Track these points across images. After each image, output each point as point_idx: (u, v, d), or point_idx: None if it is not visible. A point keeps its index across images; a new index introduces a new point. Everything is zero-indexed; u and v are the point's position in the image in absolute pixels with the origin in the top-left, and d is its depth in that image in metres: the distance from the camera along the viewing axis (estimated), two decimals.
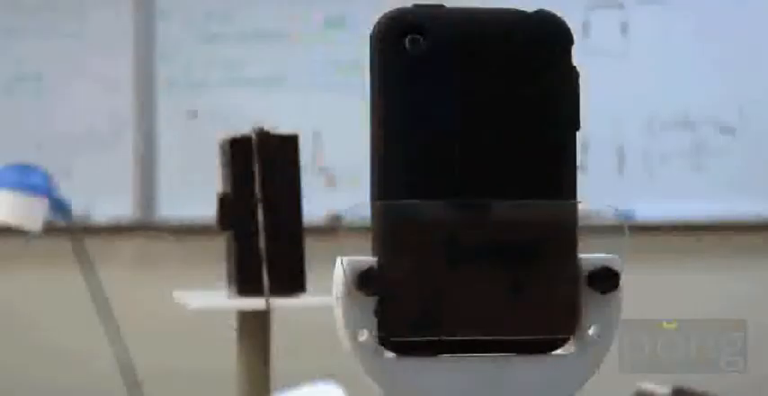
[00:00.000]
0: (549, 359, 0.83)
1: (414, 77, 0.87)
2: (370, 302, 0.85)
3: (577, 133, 0.81)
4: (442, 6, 0.86)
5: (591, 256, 0.84)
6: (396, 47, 0.87)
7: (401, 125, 0.88)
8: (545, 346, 0.83)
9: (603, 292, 0.83)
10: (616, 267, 0.84)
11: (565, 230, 0.84)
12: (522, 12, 0.84)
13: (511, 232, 0.83)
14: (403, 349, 0.86)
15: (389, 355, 0.85)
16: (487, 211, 0.84)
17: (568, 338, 0.83)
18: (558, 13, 0.86)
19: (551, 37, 0.83)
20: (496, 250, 0.84)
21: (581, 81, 0.80)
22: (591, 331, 0.83)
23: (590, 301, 0.83)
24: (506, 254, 0.83)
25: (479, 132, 0.83)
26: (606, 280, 0.83)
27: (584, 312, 0.83)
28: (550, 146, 0.82)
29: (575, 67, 0.81)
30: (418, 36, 0.86)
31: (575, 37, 0.82)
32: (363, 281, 0.86)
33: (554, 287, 0.83)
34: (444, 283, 0.85)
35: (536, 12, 0.84)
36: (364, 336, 0.84)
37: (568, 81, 0.81)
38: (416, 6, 0.87)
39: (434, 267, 0.84)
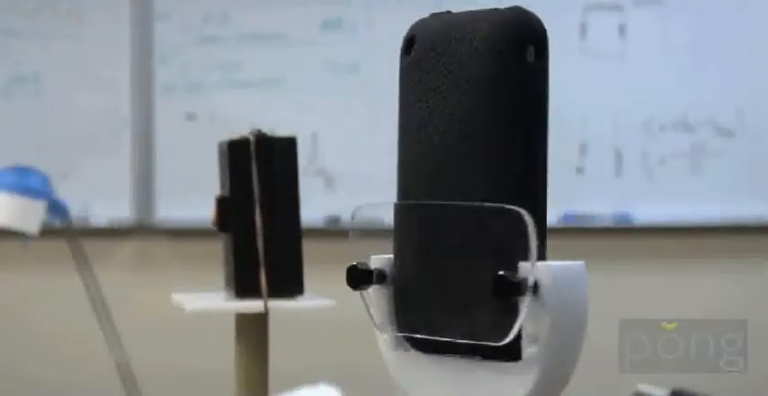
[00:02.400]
0: (500, 366, 0.81)
1: (407, 83, 0.88)
2: (390, 298, 0.86)
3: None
4: (448, 13, 0.87)
5: (544, 263, 0.79)
6: (404, 56, 0.89)
7: (400, 129, 0.90)
8: (511, 353, 0.81)
9: (500, 299, 0.78)
10: (527, 275, 0.78)
11: (480, 234, 0.81)
12: (494, 11, 0.83)
13: (441, 235, 0.83)
14: (416, 346, 0.86)
15: (410, 350, 0.86)
16: (430, 213, 0.84)
17: (508, 345, 0.79)
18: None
19: (508, 35, 0.80)
20: (434, 252, 0.83)
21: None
22: (526, 341, 0.79)
23: (528, 311, 0.78)
24: (439, 257, 0.83)
25: (449, 133, 0.83)
26: (502, 288, 0.78)
27: (524, 321, 0.78)
28: (508, 146, 0.80)
29: (534, 64, 0.78)
30: (415, 44, 0.87)
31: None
32: (377, 278, 0.87)
33: (472, 292, 0.81)
34: (411, 282, 0.86)
35: (503, 10, 0.83)
36: (386, 331, 0.85)
37: (527, 79, 0.78)
38: (430, 15, 0.88)
39: (406, 267, 0.86)
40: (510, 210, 0.77)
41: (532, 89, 0.79)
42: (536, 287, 0.77)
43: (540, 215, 0.80)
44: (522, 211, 0.77)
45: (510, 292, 0.77)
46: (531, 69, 0.79)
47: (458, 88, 0.83)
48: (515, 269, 0.78)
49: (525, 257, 0.77)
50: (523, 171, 0.80)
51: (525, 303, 0.77)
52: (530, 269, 0.77)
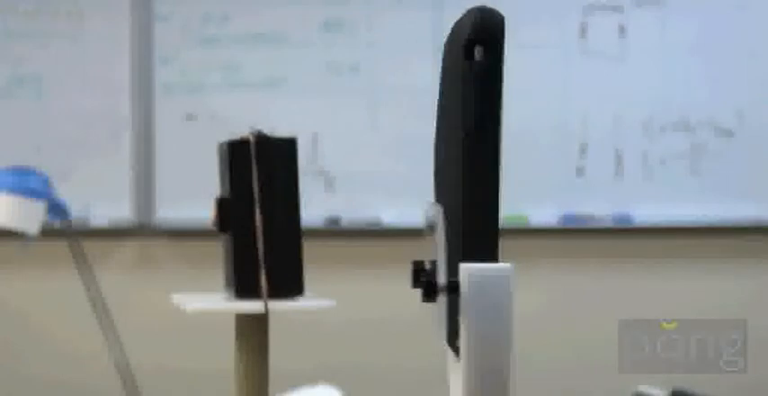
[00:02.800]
0: (458, 364, 0.81)
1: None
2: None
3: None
4: None
5: (466, 265, 0.78)
6: None
7: None
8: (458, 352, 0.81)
9: (425, 299, 0.78)
10: (461, 275, 0.78)
11: (441, 233, 0.81)
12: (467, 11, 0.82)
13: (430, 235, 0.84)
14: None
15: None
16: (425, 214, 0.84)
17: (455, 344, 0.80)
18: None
19: (460, 35, 0.80)
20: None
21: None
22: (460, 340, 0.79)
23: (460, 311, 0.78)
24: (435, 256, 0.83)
25: (438, 136, 0.84)
26: (420, 288, 0.78)
27: (459, 321, 0.78)
28: (458, 145, 0.78)
29: (483, 63, 0.77)
30: None
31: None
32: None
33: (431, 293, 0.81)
34: None
35: (468, 10, 0.81)
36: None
37: (474, 78, 0.77)
38: None
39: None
40: (435, 206, 0.77)
41: (480, 88, 0.77)
42: (455, 288, 0.76)
43: (484, 213, 0.78)
44: (437, 208, 0.76)
45: (426, 292, 0.76)
46: (479, 68, 0.77)
47: (441, 90, 0.83)
48: (455, 270, 0.77)
49: (466, 258, 0.76)
50: (465, 169, 0.78)
51: (442, 303, 0.76)
52: (460, 269, 0.76)
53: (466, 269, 0.75)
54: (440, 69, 0.85)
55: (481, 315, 0.75)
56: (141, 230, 3.47)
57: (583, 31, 3.33)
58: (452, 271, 0.77)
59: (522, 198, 3.23)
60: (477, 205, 0.77)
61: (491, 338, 0.76)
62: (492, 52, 0.76)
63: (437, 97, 0.85)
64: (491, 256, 0.77)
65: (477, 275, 0.75)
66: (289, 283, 1.68)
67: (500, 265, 0.76)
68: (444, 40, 0.85)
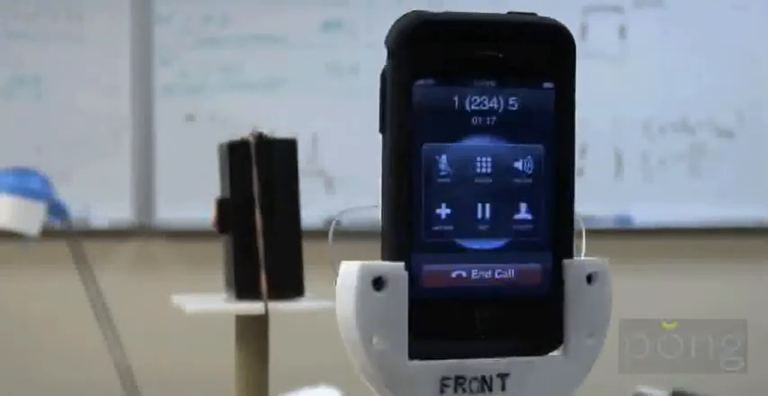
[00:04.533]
0: None
1: None
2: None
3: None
4: None
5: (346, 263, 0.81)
6: None
7: None
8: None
9: None
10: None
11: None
12: None
13: None
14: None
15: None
16: None
17: None
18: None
19: None
20: None
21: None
22: None
23: None
24: None
25: None
26: None
27: None
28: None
29: (384, 68, 0.76)
30: None
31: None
32: None
33: None
34: None
35: None
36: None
37: (381, 84, 0.77)
38: None
39: None
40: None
41: (381, 92, 0.76)
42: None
43: (387, 213, 0.80)
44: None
45: None
46: (383, 73, 0.78)
47: None
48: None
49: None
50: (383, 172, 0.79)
51: None
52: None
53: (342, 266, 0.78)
54: None
55: (340, 312, 0.77)
56: (141, 231, 3.48)
57: (583, 31, 3.33)
58: None
59: None
60: (384, 205, 0.79)
61: (347, 336, 0.77)
62: (393, 59, 0.76)
63: None
64: (393, 256, 0.78)
65: (341, 274, 0.79)
66: (289, 284, 1.68)
67: (356, 263, 0.78)
68: None
